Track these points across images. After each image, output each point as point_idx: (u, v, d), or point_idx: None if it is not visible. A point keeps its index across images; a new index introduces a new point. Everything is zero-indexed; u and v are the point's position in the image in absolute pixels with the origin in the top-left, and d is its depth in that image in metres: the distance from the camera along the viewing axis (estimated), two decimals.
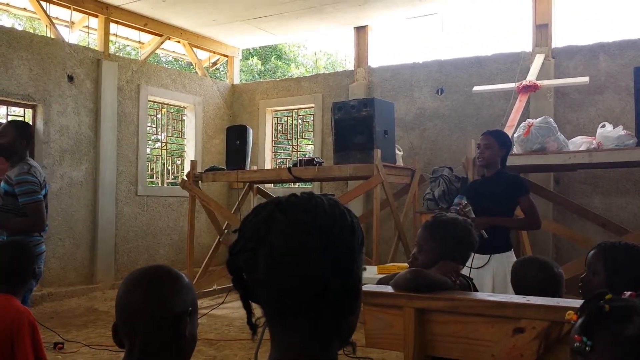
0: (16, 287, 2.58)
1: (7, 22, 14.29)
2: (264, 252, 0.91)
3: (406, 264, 3.10)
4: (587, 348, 1.16)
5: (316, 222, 0.92)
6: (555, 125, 5.66)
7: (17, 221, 3.51)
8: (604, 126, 5.51)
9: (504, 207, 3.85)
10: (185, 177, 7.35)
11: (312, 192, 0.99)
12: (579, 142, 5.60)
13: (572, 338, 1.22)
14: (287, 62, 18.30)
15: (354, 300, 0.96)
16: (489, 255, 3.67)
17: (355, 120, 6.04)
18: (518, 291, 2.35)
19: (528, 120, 5.78)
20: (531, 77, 6.61)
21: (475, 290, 2.41)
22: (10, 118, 7.31)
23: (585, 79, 6.50)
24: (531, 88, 6.46)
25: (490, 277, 3.66)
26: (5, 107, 7.15)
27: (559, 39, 7.37)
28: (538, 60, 6.93)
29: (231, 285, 0.97)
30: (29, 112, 7.30)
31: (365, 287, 2.29)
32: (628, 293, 1.58)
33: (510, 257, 3.71)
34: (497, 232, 3.68)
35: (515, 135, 5.76)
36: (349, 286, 0.94)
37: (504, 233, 3.81)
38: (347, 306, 0.95)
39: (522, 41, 13.14)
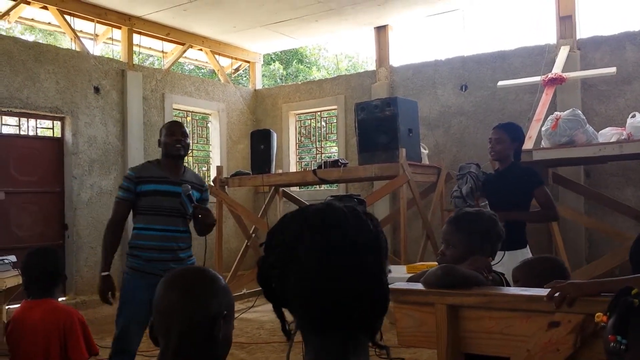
0: (55, 289, 2.66)
1: (29, 37, 14.58)
2: (294, 269, 0.95)
3: (435, 263, 3.07)
4: (622, 347, 1.13)
5: (345, 240, 0.94)
6: (584, 118, 5.57)
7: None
8: (634, 116, 5.40)
9: (520, 200, 3.73)
10: (212, 183, 7.40)
11: (332, 204, 1.01)
12: (609, 134, 5.49)
13: (605, 339, 1.18)
14: (309, 65, 18.35)
15: (384, 305, 1.00)
16: (503, 252, 3.51)
17: (379, 120, 6.02)
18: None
19: (555, 113, 5.69)
20: (557, 69, 6.51)
21: (508, 285, 2.37)
22: (39, 131, 7.48)
23: (612, 69, 6.38)
24: (557, 81, 6.36)
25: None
26: (34, 120, 7.30)
27: (584, 30, 7.29)
28: (563, 52, 6.82)
29: (261, 289, 0.99)
30: (57, 124, 7.44)
31: (395, 285, 2.28)
32: None
33: (526, 254, 3.51)
34: (513, 227, 3.45)
35: (543, 128, 5.67)
36: (379, 294, 0.98)
37: (520, 228, 3.65)
38: (378, 312, 0.99)
39: (546, 34, 13.01)
